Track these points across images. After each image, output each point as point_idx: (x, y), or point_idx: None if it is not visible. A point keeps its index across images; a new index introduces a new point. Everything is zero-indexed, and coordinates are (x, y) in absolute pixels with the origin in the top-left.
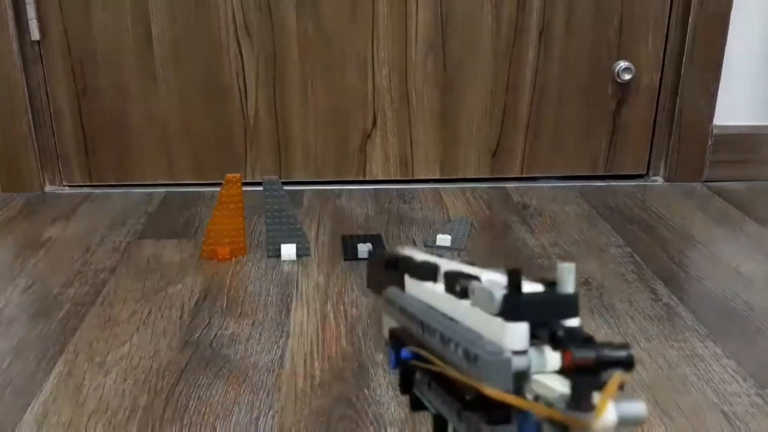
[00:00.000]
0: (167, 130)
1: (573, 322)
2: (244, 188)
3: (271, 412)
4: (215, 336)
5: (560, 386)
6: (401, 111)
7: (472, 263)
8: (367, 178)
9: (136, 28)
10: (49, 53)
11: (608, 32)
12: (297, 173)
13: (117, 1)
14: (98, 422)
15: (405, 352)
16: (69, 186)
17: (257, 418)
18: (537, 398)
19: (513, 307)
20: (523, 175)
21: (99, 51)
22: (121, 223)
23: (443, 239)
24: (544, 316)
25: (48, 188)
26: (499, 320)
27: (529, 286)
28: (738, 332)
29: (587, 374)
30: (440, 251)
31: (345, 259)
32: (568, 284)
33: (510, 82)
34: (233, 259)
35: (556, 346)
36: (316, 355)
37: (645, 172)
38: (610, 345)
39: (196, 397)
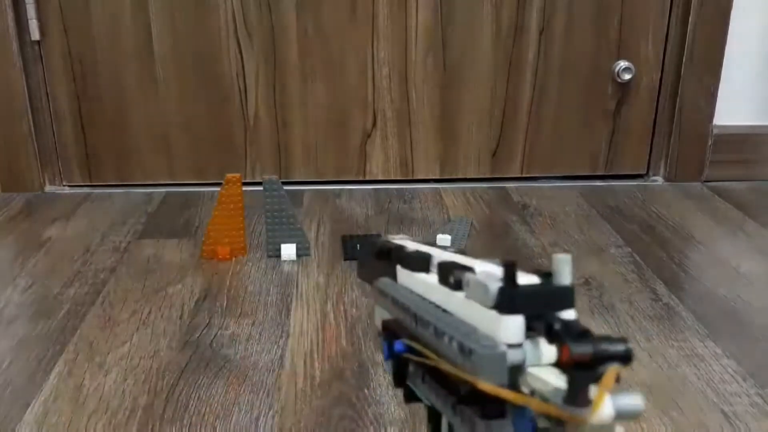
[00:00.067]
0: (167, 130)
1: (569, 314)
2: (244, 188)
3: (271, 412)
4: (215, 336)
5: (556, 380)
6: (401, 111)
7: (463, 253)
8: (367, 178)
9: (136, 28)
10: (49, 53)
11: (608, 32)
12: (297, 173)
13: (117, 1)
14: (98, 422)
15: (398, 345)
16: (69, 186)
17: (257, 418)
18: (533, 392)
19: (508, 300)
20: (523, 175)
21: (99, 51)
22: (121, 223)
23: (443, 239)
24: (540, 309)
25: (48, 188)
26: (494, 313)
27: (525, 278)
28: (738, 332)
29: (584, 369)
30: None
31: (345, 259)
32: (564, 276)
33: (510, 82)
34: (233, 259)
35: (552, 339)
36: (316, 355)
37: (645, 172)
38: (607, 339)
39: (196, 397)
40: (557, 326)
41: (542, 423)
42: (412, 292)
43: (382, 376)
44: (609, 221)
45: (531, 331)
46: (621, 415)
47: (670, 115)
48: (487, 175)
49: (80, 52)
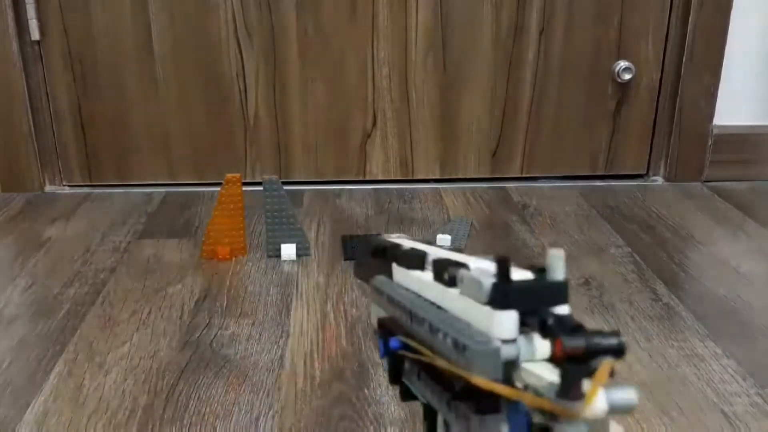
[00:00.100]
0: (167, 130)
1: (563, 309)
2: (244, 188)
3: (271, 412)
4: (215, 336)
5: (549, 375)
6: (401, 111)
7: (459, 250)
8: (367, 178)
9: (136, 28)
10: (49, 53)
11: (608, 32)
12: (297, 173)
13: (117, 1)
14: (98, 422)
15: (394, 342)
16: (69, 186)
17: (257, 418)
18: (526, 387)
19: (502, 295)
20: (523, 175)
21: (99, 51)
22: (121, 223)
23: (443, 239)
24: (534, 304)
25: (48, 188)
26: (487, 309)
27: (519, 274)
28: (738, 332)
29: (577, 362)
30: None
31: (345, 259)
32: (557, 271)
33: (510, 82)
34: (233, 259)
35: (545, 334)
36: (316, 355)
37: (645, 172)
38: (600, 333)
39: (196, 397)
40: (551, 321)
41: (536, 418)
42: (407, 289)
43: (382, 376)
44: (609, 221)
45: (525, 326)
46: (614, 409)
47: (670, 115)
48: (487, 175)
49: (80, 52)
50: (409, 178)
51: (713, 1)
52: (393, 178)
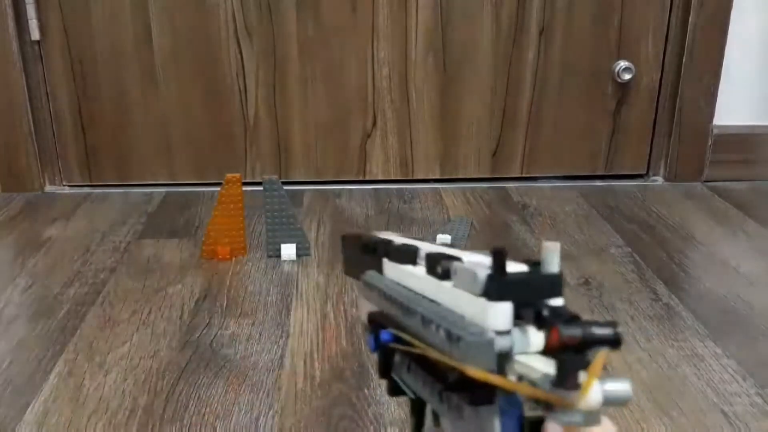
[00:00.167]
0: (167, 130)
1: (557, 302)
2: (244, 188)
3: (271, 412)
4: (215, 336)
5: (543, 366)
6: (401, 111)
7: (450, 245)
8: (367, 178)
9: (136, 28)
10: (49, 53)
11: (608, 32)
12: (297, 173)
13: (117, 1)
14: (98, 422)
15: (385, 335)
16: (69, 186)
17: (257, 418)
18: (520, 379)
19: (497, 287)
20: (523, 175)
21: (99, 51)
22: (121, 223)
23: (443, 239)
24: (528, 296)
25: (48, 188)
26: (482, 300)
27: (513, 266)
28: (738, 332)
29: (573, 353)
30: None
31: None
32: (552, 264)
33: (510, 82)
34: (233, 259)
35: (541, 325)
36: (316, 355)
37: (645, 172)
38: (596, 323)
39: (196, 397)
40: (546, 312)
41: (529, 409)
42: (398, 283)
43: None
44: (609, 221)
45: (519, 319)
46: (609, 401)
47: (670, 115)
48: (487, 175)
49: (80, 52)
50: (409, 178)
51: (713, 1)
52: (393, 178)
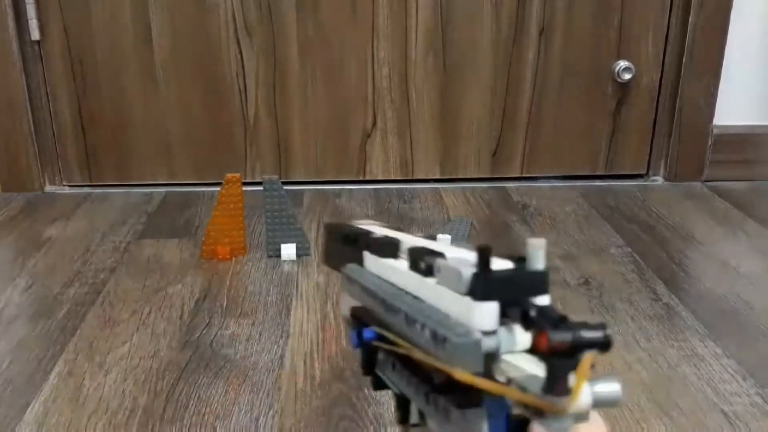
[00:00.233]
0: (167, 130)
1: (544, 300)
2: (244, 188)
3: (271, 412)
4: (215, 336)
5: (531, 367)
6: (401, 111)
7: (433, 237)
8: (367, 178)
9: (136, 27)
10: (49, 53)
11: (608, 32)
12: (297, 173)
13: (117, 1)
14: (98, 422)
15: (368, 332)
16: (69, 186)
17: (257, 418)
18: (509, 381)
19: (482, 286)
20: (523, 175)
21: (99, 51)
22: (121, 223)
23: (443, 239)
24: (514, 295)
25: (48, 188)
26: (467, 299)
27: (498, 263)
28: (738, 332)
29: (562, 356)
30: None
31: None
32: (538, 260)
33: (510, 82)
34: (233, 259)
35: (528, 325)
36: (316, 355)
37: (645, 172)
38: (586, 325)
39: (196, 397)
40: (533, 313)
41: (517, 410)
42: (380, 278)
43: None
44: (609, 221)
45: (505, 317)
46: (599, 403)
47: (670, 115)
48: (487, 175)
49: (80, 52)
50: (409, 178)
51: (713, 1)
52: (393, 178)
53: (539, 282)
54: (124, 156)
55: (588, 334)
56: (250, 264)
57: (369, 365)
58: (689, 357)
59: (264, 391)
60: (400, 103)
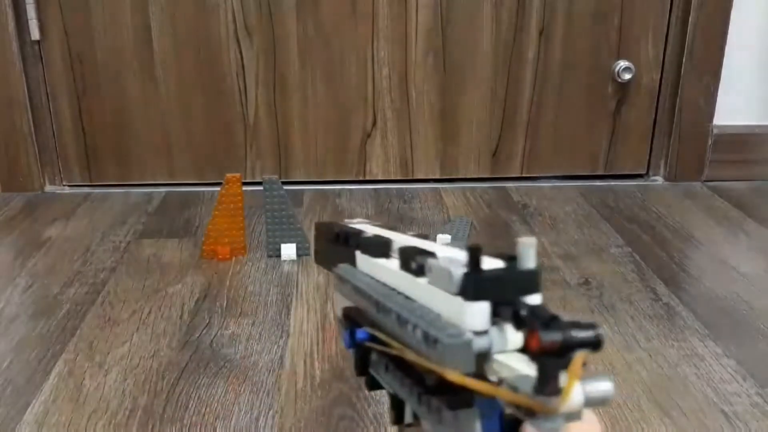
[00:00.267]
0: (167, 130)
1: (535, 299)
2: (244, 188)
3: (271, 412)
4: (215, 336)
5: (523, 366)
6: (401, 111)
7: (425, 236)
8: (367, 178)
9: (136, 27)
10: (49, 53)
11: (608, 32)
12: (297, 173)
13: (117, 1)
14: (98, 422)
15: (361, 333)
16: (69, 186)
17: (257, 418)
18: (500, 381)
19: (473, 286)
20: (523, 175)
21: (99, 51)
22: (121, 223)
23: (443, 239)
24: (506, 294)
25: (48, 188)
26: (458, 299)
27: (489, 262)
28: (738, 332)
29: (554, 356)
30: None
31: None
32: (529, 259)
33: (510, 82)
34: (233, 259)
35: (519, 324)
36: (316, 355)
37: (645, 172)
38: (577, 324)
39: (196, 397)
40: (524, 312)
41: (509, 410)
42: (372, 278)
43: None
44: (609, 221)
45: (496, 316)
46: (591, 402)
47: (670, 115)
48: (487, 175)
49: (80, 52)
50: (409, 178)
51: (713, 1)
52: (393, 178)
53: (530, 281)
54: (124, 156)
55: (579, 334)
56: (250, 264)
57: (362, 366)
58: (689, 357)
59: (264, 391)
60: (400, 103)
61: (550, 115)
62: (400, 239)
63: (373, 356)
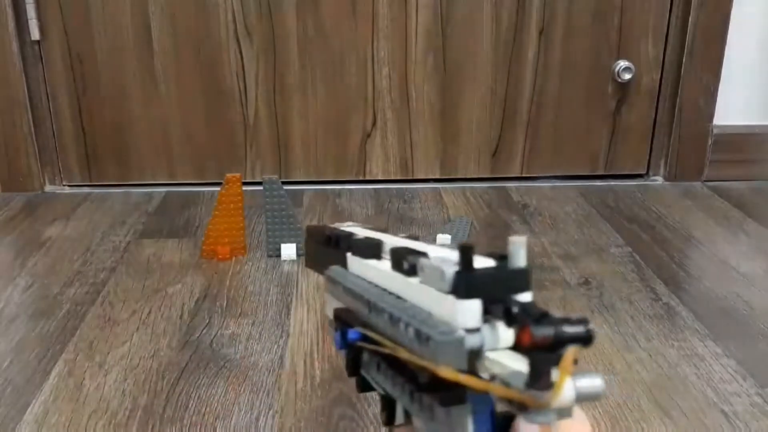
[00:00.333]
0: (167, 129)
1: (526, 297)
2: (244, 188)
3: (271, 412)
4: (215, 336)
5: (514, 363)
6: (401, 111)
7: (416, 238)
8: (367, 178)
9: (136, 28)
10: (49, 53)
11: (608, 32)
12: (297, 173)
13: (117, 1)
14: (98, 422)
15: (352, 333)
16: (69, 186)
17: (257, 418)
18: (492, 377)
19: (465, 284)
20: (523, 175)
21: (99, 51)
22: (121, 223)
23: (443, 239)
24: (497, 292)
25: (48, 188)
26: (450, 298)
27: (480, 261)
28: (738, 332)
29: (545, 351)
30: None
31: None
32: (519, 258)
33: (510, 82)
34: (233, 258)
35: (510, 321)
36: (316, 355)
37: (645, 172)
38: (567, 320)
39: (196, 397)
40: (515, 309)
41: (501, 407)
42: (364, 279)
43: None
44: (609, 221)
45: (488, 314)
46: (582, 398)
47: (670, 115)
48: (487, 175)
49: (80, 52)
50: (409, 178)
51: (713, 1)
52: (393, 178)
53: (521, 279)
54: (124, 156)
55: (570, 329)
56: (250, 264)
57: (354, 366)
58: (689, 357)
59: (264, 391)
60: (400, 103)
61: (550, 115)
62: (391, 241)
63: (365, 357)
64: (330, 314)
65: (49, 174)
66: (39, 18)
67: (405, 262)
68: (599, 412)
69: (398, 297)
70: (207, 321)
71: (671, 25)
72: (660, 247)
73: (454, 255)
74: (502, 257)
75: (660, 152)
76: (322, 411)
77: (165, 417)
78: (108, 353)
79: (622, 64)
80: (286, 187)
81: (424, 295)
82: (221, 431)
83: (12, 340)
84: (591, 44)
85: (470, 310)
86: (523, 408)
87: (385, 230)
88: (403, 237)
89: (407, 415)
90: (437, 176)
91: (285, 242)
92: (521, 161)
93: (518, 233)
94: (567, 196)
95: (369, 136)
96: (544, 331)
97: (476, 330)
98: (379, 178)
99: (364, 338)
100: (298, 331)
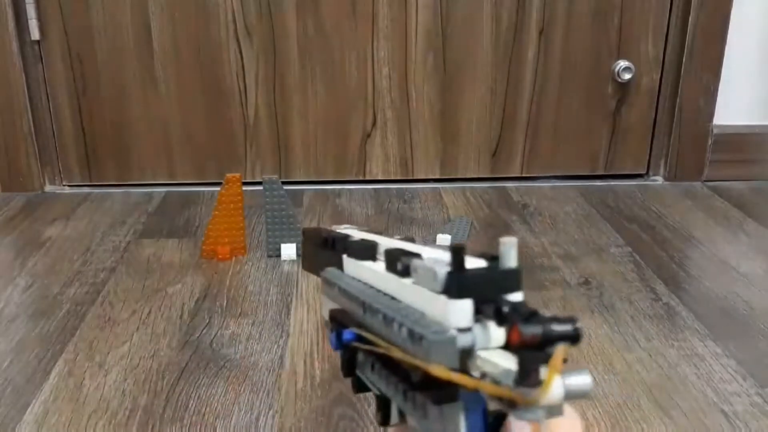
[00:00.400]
0: (167, 129)
1: (516, 297)
2: (244, 188)
3: (271, 412)
4: (215, 336)
5: (505, 362)
6: (401, 111)
7: (411, 239)
8: (367, 178)
9: (136, 27)
10: (49, 53)
11: (608, 32)
12: (297, 173)
13: (117, 2)
14: (98, 422)
15: (348, 334)
16: (69, 186)
17: (257, 418)
18: (483, 375)
19: (457, 284)
20: (523, 175)
21: (99, 51)
22: (121, 223)
23: (443, 239)
24: (488, 292)
25: (48, 188)
26: (442, 298)
27: (472, 262)
28: (738, 332)
29: (534, 349)
30: None
31: None
32: (510, 258)
33: (510, 82)
34: (233, 258)
35: (501, 321)
36: (316, 355)
37: (645, 172)
38: (556, 319)
39: (196, 397)
40: (506, 309)
41: (493, 405)
42: (359, 280)
43: None
44: (609, 221)
45: (479, 314)
46: (571, 395)
47: (670, 115)
48: (487, 175)
49: (80, 52)
50: (409, 178)
51: (713, 1)
52: (393, 178)
53: (512, 280)
54: (124, 156)
55: (558, 328)
56: (250, 264)
57: (349, 367)
58: (689, 357)
59: (264, 391)
60: (399, 102)
61: (550, 115)
62: (386, 242)
63: (360, 357)
64: (326, 315)
65: (49, 174)
66: (39, 18)
67: (399, 263)
68: (599, 412)
69: (393, 298)
70: (207, 321)
71: (671, 25)
72: (660, 247)
73: (447, 256)
74: (493, 258)
75: (660, 152)
76: (322, 411)
77: (165, 417)
78: (108, 353)
79: (622, 64)
80: (286, 187)
81: (417, 296)
82: (221, 431)
83: (12, 340)
84: (591, 44)
85: (462, 310)
86: (512, 405)
87: (380, 232)
88: (398, 239)
89: (402, 415)
90: (437, 176)
91: (285, 242)
92: (521, 161)
93: (518, 233)
94: (567, 196)
95: (369, 136)
96: (533, 330)
97: (468, 329)
98: (379, 178)
99: (359, 339)
100: (298, 331)
